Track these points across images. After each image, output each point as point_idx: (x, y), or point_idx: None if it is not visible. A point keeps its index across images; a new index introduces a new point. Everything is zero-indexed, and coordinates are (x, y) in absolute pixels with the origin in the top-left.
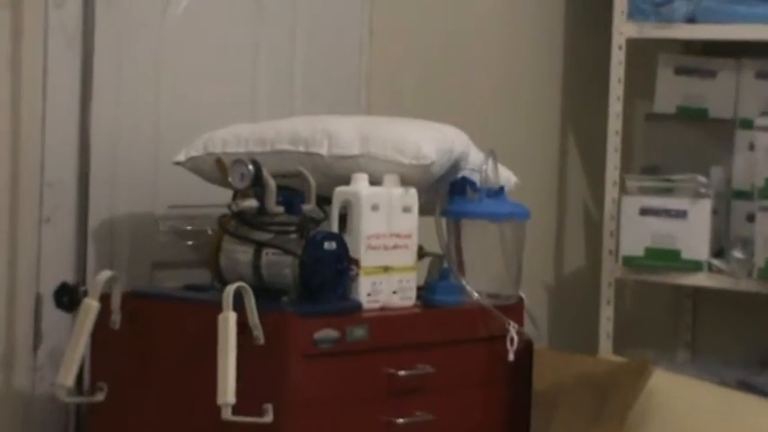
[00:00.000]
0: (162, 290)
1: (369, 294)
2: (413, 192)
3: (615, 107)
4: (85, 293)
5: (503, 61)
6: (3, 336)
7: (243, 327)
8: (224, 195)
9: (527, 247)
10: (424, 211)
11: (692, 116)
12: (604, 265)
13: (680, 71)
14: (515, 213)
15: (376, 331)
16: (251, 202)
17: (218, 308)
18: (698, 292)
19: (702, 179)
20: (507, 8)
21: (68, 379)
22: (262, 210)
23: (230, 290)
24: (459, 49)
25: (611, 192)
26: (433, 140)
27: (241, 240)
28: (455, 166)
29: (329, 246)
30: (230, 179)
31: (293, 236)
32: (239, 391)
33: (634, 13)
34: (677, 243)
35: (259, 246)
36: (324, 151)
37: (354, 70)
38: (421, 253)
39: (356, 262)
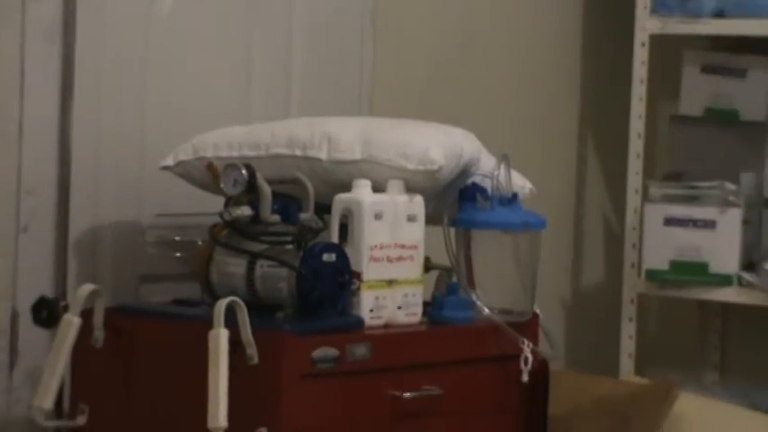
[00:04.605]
0: (148, 305)
1: (371, 310)
2: (419, 199)
3: (637, 108)
4: (66, 309)
5: (516, 60)
6: None
7: (235, 345)
8: (215, 203)
9: (542, 260)
10: (432, 220)
11: (721, 118)
12: (626, 279)
13: (707, 70)
14: (530, 223)
15: (379, 350)
16: (244, 211)
17: (208, 324)
18: (727, 308)
19: (732, 186)
20: (522, 3)
21: (47, 401)
22: (256, 218)
23: (222, 305)
24: (469, 46)
25: (632, 200)
26: (440, 144)
27: (234, 252)
28: (465, 171)
29: (328, 257)
30: (222, 185)
31: (290, 247)
32: (231, 415)
33: (658, 8)
34: (704, 255)
35: (253, 257)
36: (323, 155)
37: (356, 67)
38: (428, 265)
39: (358, 275)
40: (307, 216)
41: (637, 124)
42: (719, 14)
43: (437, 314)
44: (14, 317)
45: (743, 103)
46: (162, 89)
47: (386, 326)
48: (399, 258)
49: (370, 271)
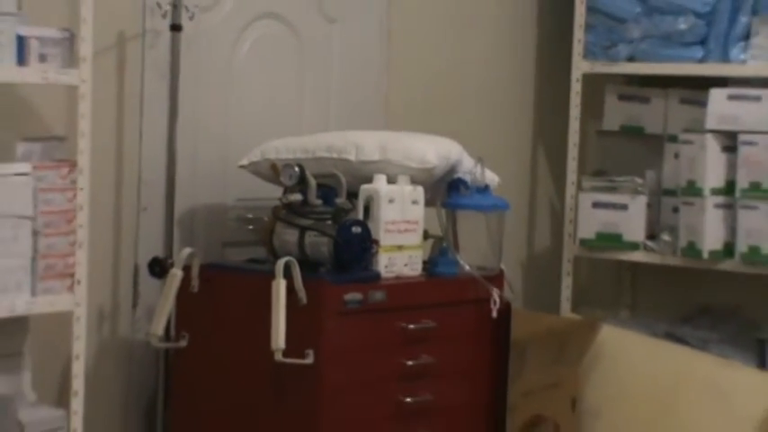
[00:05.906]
0: (230, 262)
1: (386, 266)
2: (420, 189)
3: (574, 125)
4: (172, 265)
5: (489, 90)
6: (109, 297)
7: (290, 291)
8: (276, 191)
9: (507, 231)
10: (428, 203)
11: (632, 132)
12: (565, 245)
13: (623, 98)
14: (498, 205)
15: (392, 295)
16: (297, 196)
17: (272, 276)
18: (636, 266)
19: (639, 180)
20: (493, 50)
21: (159, 329)
22: (305, 202)
23: (281, 263)
24: (456, 79)
25: (570, 189)
26: (435, 150)
27: (289, 225)
28: (452, 169)
29: (356, 230)
30: (281, 179)
31: (329, 222)
32: (288, 340)
33: (588, 55)
34: (620, 229)
35: (303, 229)
36: (352, 158)
37: (375, 95)
38: (426, 235)
39: (377, 242)
40: (341, 200)
41: (573, 136)
42: (631, 59)
43: (432, 270)
44: (136, 271)
45: (647, 121)
46: (240, 109)
47: (396, 278)
48: (406, 230)
49: (385, 239)
